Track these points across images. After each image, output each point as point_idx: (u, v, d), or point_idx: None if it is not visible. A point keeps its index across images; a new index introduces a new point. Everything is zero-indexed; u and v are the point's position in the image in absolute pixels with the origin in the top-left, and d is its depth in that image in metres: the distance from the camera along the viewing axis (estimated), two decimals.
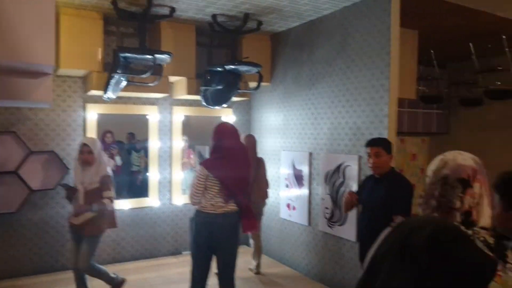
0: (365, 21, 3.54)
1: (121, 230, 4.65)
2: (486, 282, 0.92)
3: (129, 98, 4.54)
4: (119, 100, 4.47)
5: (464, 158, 1.28)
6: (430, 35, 4.62)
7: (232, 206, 2.99)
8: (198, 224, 3.00)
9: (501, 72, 4.88)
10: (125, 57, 3.72)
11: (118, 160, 4.69)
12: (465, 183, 1.23)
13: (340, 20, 3.82)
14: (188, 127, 5.76)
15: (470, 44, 4.74)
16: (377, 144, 2.90)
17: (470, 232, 1.20)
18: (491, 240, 1.12)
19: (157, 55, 3.63)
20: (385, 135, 3.35)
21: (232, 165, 2.99)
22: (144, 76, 3.70)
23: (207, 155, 4.35)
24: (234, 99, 4.89)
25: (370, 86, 3.49)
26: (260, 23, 4.24)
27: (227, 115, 5.22)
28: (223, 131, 3.09)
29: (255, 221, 3.17)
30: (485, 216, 1.22)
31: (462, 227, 1.17)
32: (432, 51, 5.16)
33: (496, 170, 4.43)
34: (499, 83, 4.84)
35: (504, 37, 4.42)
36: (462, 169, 1.26)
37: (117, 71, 3.59)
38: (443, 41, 4.89)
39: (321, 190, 4.14)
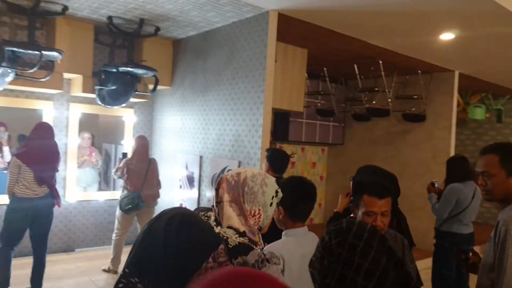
0: (248, 37, 3.85)
1: None
2: (208, 254, 1.20)
3: (22, 91, 4.48)
4: (11, 93, 4.40)
5: (232, 172, 1.58)
6: (320, 54, 5.08)
7: (46, 189, 3.69)
8: (23, 209, 3.54)
9: (382, 93, 5.47)
10: (12, 51, 3.71)
11: (7, 151, 4.54)
12: (216, 187, 1.53)
13: (229, 34, 4.11)
14: (95, 126, 5.77)
15: (355, 66, 5.27)
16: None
17: (218, 229, 1.48)
18: (232, 240, 1.41)
19: (44, 52, 3.66)
20: (259, 143, 3.67)
21: (42, 157, 3.64)
22: (31, 71, 3.71)
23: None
24: (136, 100, 5.01)
25: (250, 97, 3.80)
26: (158, 28, 4.40)
27: (129, 115, 5.32)
28: (39, 128, 3.72)
29: (59, 198, 3.93)
30: (226, 216, 1.50)
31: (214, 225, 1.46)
32: (325, 68, 5.66)
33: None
34: (374, 102, 5.42)
35: (380, 62, 4.98)
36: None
37: (2, 64, 3.56)
38: (333, 60, 5.38)
39: (208, 191, 4.39)
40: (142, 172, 4.38)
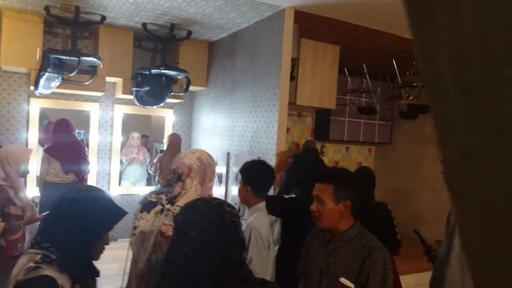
0: (268, 36, 3.92)
1: None
2: (110, 224, 1.33)
3: (72, 94, 4.97)
4: (62, 96, 4.90)
5: (190, 158, 1.70)
6: (354, 50, 4.97)
7: (71, 177, 4.18)
8: (52, 193, 3.95)
9: (422, 88, 5.19)
10: (57, 58, 4.16)
11: None
12: (179, 177, 1.66)
13: (252, 34, 4.20)
14: (148, 126, 6.21)
15: (393, 61, 5.07)
16: None
17: (169, 206, 1.61)
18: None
19: (83, 57, 4.04)
20: (275, 139, 3.71)
21: (66, 150, 4.16)
22: (70, 75, 4.12)
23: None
24: (174, 100, 5.31)
25: (268, 94, 3.86)
26: (189, 32, 4.63)
27: (168, 115, 5.64)
28: (57, 125, 4.21)
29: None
30: (185, 198, 1.63)
31: (165, 203, 1.59)
32: (364, 65, 5.50)
33: (430, 180, 5.07)
34: (411, 97, 5.15)
35: None
36: (181, 166, 1.69)
37: (47, 70, 4.01)
38: (370, 56, 5.23)
39: (233, 187, 4.51)
40: None
